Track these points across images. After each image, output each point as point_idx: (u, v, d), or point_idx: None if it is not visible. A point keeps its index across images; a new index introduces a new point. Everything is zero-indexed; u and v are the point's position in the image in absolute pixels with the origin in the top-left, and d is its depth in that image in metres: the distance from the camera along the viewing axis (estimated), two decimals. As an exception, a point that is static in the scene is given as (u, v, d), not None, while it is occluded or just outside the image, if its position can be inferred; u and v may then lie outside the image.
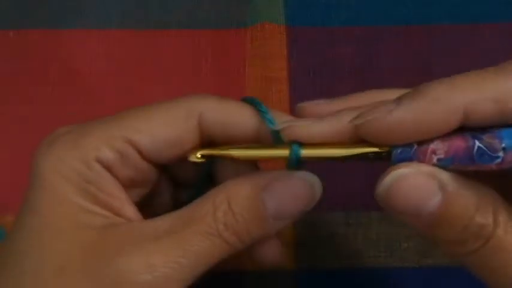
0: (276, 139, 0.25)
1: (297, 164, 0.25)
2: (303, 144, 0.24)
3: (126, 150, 0.25)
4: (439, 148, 0.21)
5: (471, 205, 0.21)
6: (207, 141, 0.26)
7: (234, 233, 0.23)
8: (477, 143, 0.21)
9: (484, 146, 0.21)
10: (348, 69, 0.43)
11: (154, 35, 0.44)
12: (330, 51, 0.43)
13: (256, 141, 0.26)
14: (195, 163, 0.25)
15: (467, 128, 0.21)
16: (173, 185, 0.30)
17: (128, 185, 0.26)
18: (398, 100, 0.21)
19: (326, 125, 0.23)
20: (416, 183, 0.21)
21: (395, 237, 0.36)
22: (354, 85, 0.42)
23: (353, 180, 0.38)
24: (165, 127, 0.25)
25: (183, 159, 0.26)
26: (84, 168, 0.24)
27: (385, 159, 0.23)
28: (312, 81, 0.42)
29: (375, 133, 0.22)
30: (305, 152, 0.24)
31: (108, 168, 0.24)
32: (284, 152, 0.24)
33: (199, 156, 0.25)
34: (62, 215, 0.23)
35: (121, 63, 0.43)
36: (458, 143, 0.21)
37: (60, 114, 0.41)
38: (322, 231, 0.37)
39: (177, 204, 0.29)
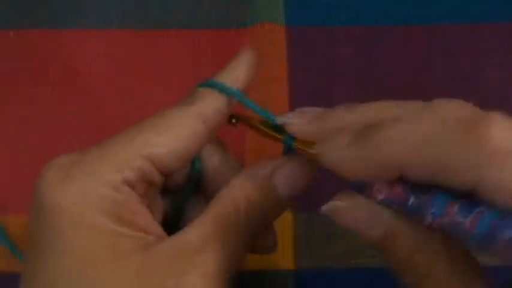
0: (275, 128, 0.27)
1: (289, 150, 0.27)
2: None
3: (145, 167, 0.24)
4: (383, 189, 0.22)
5: (410, 244, 0.22)
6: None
7: (258, 226, 0.25)
8: (412, 199, 0.22)
9: (417, 204, 0.21)
10: (348, 69, 0.43)
11: (154, 35, 0.44)
12: (330, 51, 0.43)
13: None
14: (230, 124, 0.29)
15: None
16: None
17: (149, 205, 0.26)
18: (353, 138, 0.22)
19: (312, 129, 0.25)
20: (356, 216, 0.23)
21: (395, 237, 0.36)
22: (354, 85, 0.42)
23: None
24: (179, 142, 0.25)
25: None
26: (112, 193, 0.23)
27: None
28: (312, 81, 0.42)
29: (326, 165, 0.23)
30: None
31: (132, 187, 0.24)
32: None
33: (233, 121, 0.29)
34: (99, 249, 0.22)
35: (121, 63, 0.43)
36: (398, 191, 0.22)
37: (60, 114, 0.41)
38: (322, 231, 0.37)
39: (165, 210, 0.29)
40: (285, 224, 0.37)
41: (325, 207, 0.24)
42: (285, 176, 0.27)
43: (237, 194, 0.25)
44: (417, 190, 0.21)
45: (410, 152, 0.20)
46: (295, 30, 0.44)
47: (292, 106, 0.41)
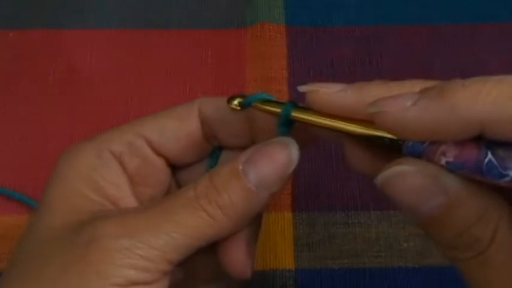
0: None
1: (287, 124, 0.25)
2: (300, 107, 0.25)
3: (135, 140, 0.26)
4: (450, 151, 0.20)
5: (471, 216, 0.20)
6: (209, 134, 0.27)
7: (218, 207, 0.23)
8: (489, 156, 0.20)
9: (496, 161, 0.20)
10: (348, 69, 0.43)
11: (154, 35, 0.44)
12: (330, 51, 0.43)
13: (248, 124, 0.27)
14: (233, 109, 0.26)
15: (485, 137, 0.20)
16: None
17: (137, 179, 0.27)
18: (418, 97, 0.20)
19: (350, 97, 0.23)
20: (414, 183, 0.21)
21: (395, 237, 0.36)
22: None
23: (353, 180, 0.38)
24: (170, 121, 0.27)
25: (192, 153, 0.27)
26: (93, 158, 0.25)
27: (399, 146, 0.22)
28: (312, 81, 0.42)
29: (386, 125, 0.21)
30: (323, 122, 0.24)
31: (118, 158, 0.26)
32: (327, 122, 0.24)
33: (236, 103, 0.26)
34: (65, 200, 0.24)
35: (121, 63, 0.43)
36: (470, 151, 0.20)
37: (60, 114, 0.41)
38: (322, 231, 0.37)
39: None
40: (284, 224, 0.37)
41: (384, 175, 0.21)
42: (256, 159, 0.24)
43: (203, 176, 0.25)
44: (493, 146, 0.20)
45: (496, 108, 0.19)
46: (295, 30, 0.44)
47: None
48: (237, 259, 0.26)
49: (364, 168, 0.24)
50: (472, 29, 0.44)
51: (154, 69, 0.43)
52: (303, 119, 0.24)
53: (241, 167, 0.24)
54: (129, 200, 0.26)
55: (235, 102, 0.26)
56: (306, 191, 0.38)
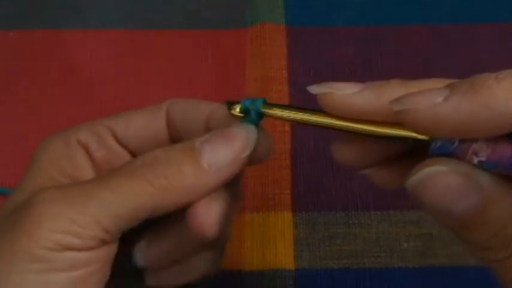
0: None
1: (255, 120, 0.25)
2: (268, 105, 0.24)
3: (102, 132, 0.27)
4: (482, 150, 0.20)
5: (507, 214, 0.20)
6: (173, 131, 0.28)
7: (163, 176, 0.23)
8: None
9: None
10: (348, 69, 0.43)
11: (154, 35, 0.44)
12: (330, 51, 0.43)
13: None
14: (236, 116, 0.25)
15: None
16: None
17: (104, 168, 0.27)
18: (448, 92, 0.19)
19: (367, 99, 0.21)
20: (448, 183, 0.20)
21: (395, 237, 0.36)
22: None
23: (353, 180, 0.38)
24: (137, 117, 0.28)
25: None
26: (62, 146, 0.26)
27: (424, 146, 0.21)
28: (312, 81, 0.42)
29: (415, 123, 0.20)
30: (338, 123, 0.22)
31: (85, 146, 0.27)
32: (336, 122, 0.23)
33: (238, 110, 0.25)
34: (35, 183, 0.25)
35: (121, 63, 0.43)
36: (504, 148, 0.19)
37: (60, 114, 0.41)
38: (322, 231, 0.37)
39: None
40: (284, 224, 0.37)
41: (416, 178, 0.20)
42: (211, 139, 0.24)
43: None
44: None
45: None
46: (295, 30, 0.44)
47: (292, 106, 0.41)
48: (202, 220, 0.24)
49: (354, 161, 0.24)
50: (472, 29, 0.44)
51: (154, 69, 0.43)
52: (306, 120, 0.24)
53: (197, 144, 0.23)
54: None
55: (237, 109, 0.25)
56: (306, 191, 0.38)
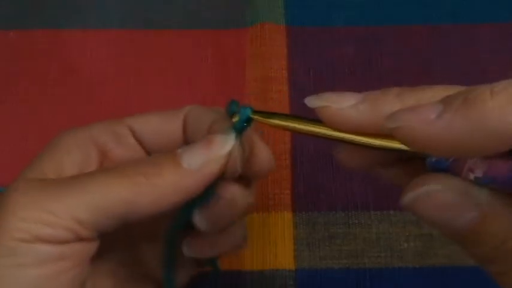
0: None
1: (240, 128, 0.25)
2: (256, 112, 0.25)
3: (120, 130, 0.27)
4: (478, 167, 0.19)
5: (507, 228, 0.19)
6: (187, 136, 0.28)
7: (142, 174, 0.23)
8: None
9: None
10: (348, 69, 0.43)
11: (154, 35, 0.44)
12: (330, 51, 0.43)
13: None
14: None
15: None
16: None
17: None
18: (441, 108, 0.18)
19: (363, 113, 0.21)
20: (444, 201, 0.19)
21: (395, 237, 0.36)
22: (354, 85, 0.42)
23: (353, 180, 0.38)
24: (156, 117, 0.28)
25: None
26: (72, 143, 0.26)
27: (421, 158, 0.21)
28: (312, 81, 0.42)
29: (408, 141, 0.19)
30: (335, 134, 0.22)
31: (101, 147, 0.27)
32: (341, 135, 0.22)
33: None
34: (42, 171, 0.25)
35: (121, 63, 0.43)
36: (501, 166, 0.19)
37: (60, 114, 0.41)
38: (322, 231, 0.37)
39: None
40: (284, 224, 0.37)
41: (411, 195, 0.20)
42: (192, 144, 0.25)
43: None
44: None
45: None
46: (295, 30, 0.44)
47: (292, 106, 0.41)
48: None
49: (359, 165, 0.24)
50: (472, 29, 0.44)
51: (154, 69, 0.43)
52: (302, 129, 0.24)
53: (179, 150, 0.24)
54: None
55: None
56: (306, 191, 0.38)
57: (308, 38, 0.44)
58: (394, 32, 0.44)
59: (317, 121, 0.23)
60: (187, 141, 0.28)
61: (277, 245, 0.36)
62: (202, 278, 0.31)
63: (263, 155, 0.26)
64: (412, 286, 0.35)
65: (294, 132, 0.25)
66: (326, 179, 0.38)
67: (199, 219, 0.26)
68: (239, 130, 0.25)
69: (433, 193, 0.20)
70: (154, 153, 0.29)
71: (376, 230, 0.37)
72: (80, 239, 0.22)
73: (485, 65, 0.42)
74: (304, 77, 0.42)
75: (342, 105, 0.21)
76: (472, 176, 0.19)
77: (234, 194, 0.26)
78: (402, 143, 0.19)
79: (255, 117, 0.25)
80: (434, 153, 0.19)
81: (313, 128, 0.23)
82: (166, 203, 0.23)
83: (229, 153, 0.24)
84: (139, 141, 0.28)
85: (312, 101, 0.22)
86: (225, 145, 0.24)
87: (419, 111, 0.19)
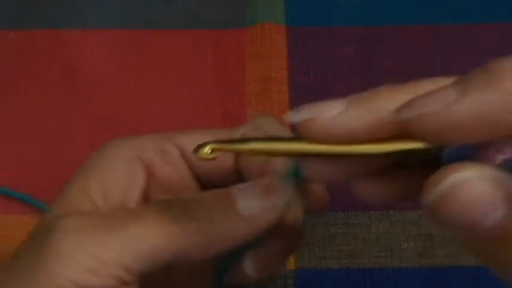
0: None
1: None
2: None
3: (168, 148, 0.26)
4: (507, 144, 0.17)
5: None
6: (242, 167, 0.26)
7: (194, 219, 0.21)
8: None
9: None
10: (348, 69, 0.43)
11: (154, 35, 0.44)
12: (330, 51, 0.43)
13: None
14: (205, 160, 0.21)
15: None
16: None
17: (167, 185, 0.26)
18: (460, 88, 0.16)
19: (356, 117, 0.18)
20: (480, 191, 0.16)
21: (395, 237, 0.36)
22: (354, 85, 0.42)
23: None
24: (209, 137, 0.24)
25: (221, 176, 0.26)
26: (121, 162, 0.25)
27: (432, 157, 0.18)
28: (312, 81, 0.42)
29: (429, 130, 0.17)
30: (335, 149, 0.19)
31: (148, 165, 0.26)
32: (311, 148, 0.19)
33: (208, 151, 0.21)
34: (72, 202, 0.24)
35: (121, 63, 0.43)
36: None
37: (60, 114, 0.41)
38: (322, 231, 0.37)
39: None
40: (285, 224, 0.37)
41: (436, 192, 0.16)
42: (248, 186, 0.23)
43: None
44: None
45: None
46: (295, 30, 0.44)
47: (292, 106, 0.41)
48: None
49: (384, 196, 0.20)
50: (472, 29, 0.44)
51: (154, 69, 0.43)
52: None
53: (234, 191, 0.22)
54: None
55: (206, 150, 0.21)
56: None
57: (308, 38, 0.44)
58: (394, 32, 0.44)
59: (296, 139, 0.20)
60: (238, 169, 0.26)
61: (277, 245, 0.36)
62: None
63: (318, 198, 0.25)
64: (412, 286, 0.35)
65: (272, 156, 0.22)
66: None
67: (247, 265, 0.25)
68: (299, 179, 0.23)
69: (468, 182, 0.16)
70: (207, 190, 0.26)
71: (376, 230, 0.37)
72: (124, 284, 0.21)
73: (485, 65, 0.42)
74: (304, 77, 0.42)
75: (329, 114, 0.18)
76: (500, 158, 0.17)
77: (280, 246, 0.25)
78: (420, 135, 0.17)
79: (216, 146, 0.21)
80: (461, 139, 0.17)
81: (300, 146, 0.19)
82: (217, 250, 0.22)
83: (289, 203, 0.23)
84: (187, 162, 0.26)
85: (292, 117, 0.19)
86: (285, 194, 0.23)
87: (440, 94, 0.17)
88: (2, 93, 0.42)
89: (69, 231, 0.21)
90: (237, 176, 0.26)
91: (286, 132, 0.26)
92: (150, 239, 0.21)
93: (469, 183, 0.16)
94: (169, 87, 0.42)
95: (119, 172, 0.25)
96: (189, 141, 0.26)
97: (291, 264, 0.36)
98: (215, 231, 0.22)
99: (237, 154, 0.25)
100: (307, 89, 0.42)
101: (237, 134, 0.26)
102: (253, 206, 0.22)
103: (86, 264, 0.20)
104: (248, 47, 0.44)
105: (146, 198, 0.26)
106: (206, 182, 0.27)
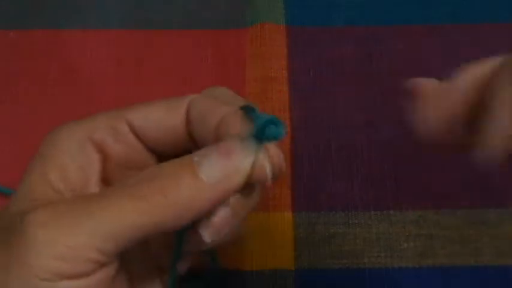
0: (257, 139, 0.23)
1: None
2: None
3: (119, 126, 0.26)
4: None
5: None
6: (191, 129, 0.26)
7: (162, 193, 0.21)
8: None
9: None
10: (348, 69, 0.43)
11: (154, 35, 0.44)
12: (330, 51, 0.43)
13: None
14: None
15: None
16: None
17: (122, 163, 0.26)
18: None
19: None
20: None
21: (395, 237, 0.36)
22: (354, 85, 0.42)
23: (353, 180, 0.38)
24: (157, 110, 0.26)
25: (175, 146, 0.27)
26: (73, 143, 0.25)
27: None
28: (312, 81, 0.42)
29: None
30: None
31: (100, 146, 0.26)
32: None
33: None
34: (34, 190, 0.24)
35: (121, 63, 0.43)
36: None
37: (60, 114, 0.41)
38: (322, 231, 0.37)
39: None
40: (285, 224, 0.37)
41: None
42: (209, 153, 0.23)
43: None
44: None
45: None
46: (295, 30, 0.44)
47: (292, 106, 0.41)
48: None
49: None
50: (472, 29, 0.44)
51: (154, 69, 0.43)
52: None
53: (195, 158, 0.22)
54: (93, 189, 0.26)
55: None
56: (306, 191, 0.38)
57: (308, 38, 0.44)
58: (394, 32, 0.44)
59: None
60: (191, 134, 0.26)
61: (277, 245, 0.36)
62: (201, 278, 0.31)
63: (275, 161, 0.24)
64: (412, 286, 0.35)
65: None
66: (326, 179, 0.38)
67: (202, 232, 0.24)
68: (260, 139, 0.23)
69: None
70: (165, 161, 0.26)
71: (376, 230, 0.37)
72: (102, 265, 0.22)
73: (485, 65, 0.42)
74: (304, 77, 0.42)
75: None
76: None
77: (235, 207, 0.24)
78: None
79: None
80: None
81: None
82: (188, 219, 0.22)
83: (253, 164, 0.23)
84: (139, 137, 0.27)
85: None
86: (248, 155, 0.23)
87: None
88: (2, 93, 0.42)
89: (40, 224, 0.21)
90: (191, 144, 0.26)
91: (240, 100, 0.26)
92: (119, 220, 0.21)
93: None
94: (169, 87, 0.42)
95: (74, 154, 0.25)
96: (137, 115, 0.26)
97: (291, 264, 0.36)
98: (182, 202, 0.22)
99: (188, 120, 0.26)
100: (307, 89, 0.42)
101: (183, 102, 0.26)
102: (216, 172, 0.22)
103: (59, 253, 0.21)
104: (248, 47, 0.44)
105: (105, 177, 0.26)
106: (162, 154, 0.27)
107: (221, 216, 0.24)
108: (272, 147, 0.24)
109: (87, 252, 0.21)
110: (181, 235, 0.26)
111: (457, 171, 0.38)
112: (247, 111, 0.24)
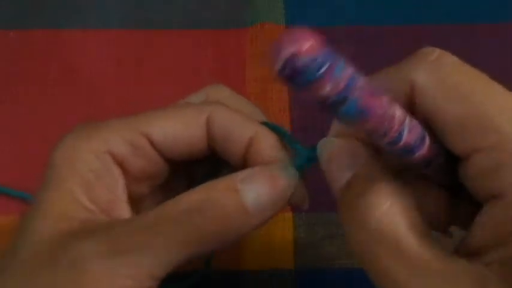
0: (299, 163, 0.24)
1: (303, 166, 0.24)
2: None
3: (138, 141, 0.25)
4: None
5: None
6: (212, 141, 0.26)
7: (211, 223, 0.22)
8: None
9: None
10: (348, 69, 0.43)
11: (154, 35, 0.44)
12: (330, 51, 0.43)
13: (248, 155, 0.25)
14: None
15: None
16: (188, 183, 0.29)
17: (140, 176, 0.26)
18: None
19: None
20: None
21: (395, 237, 0.36)
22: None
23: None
24: (176, 122, 0.26)
25: (193, 156, 0.26)
26: (93, 159, 0.24)
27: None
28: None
29: None
30: None
31: (120, 161, 0.25)
32: None
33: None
34: (58, 204, 0.24)
35: (121, 63, 0.43)
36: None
37: (60, 114, 0.41)
38: (322, 231, 0.37)
39: None
40: (284, 224, 0.37)
41: None
42: (255, 180, 0.23)
43: (197, 191, 0.24)
44: None
45: None
46: (295, 30, 0.44)
47: (292, 106, 0.41)
48: None
49: None
50: (472, 29, 0.44)
51: (154, 69, 0.43)
52: None
53: (239, 185, 0.23)
54: (122, 206, 0.25)
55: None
56: (306, 191, 0.38)
57: (308, 38, 0.44)
58: (394, 32, 0.44)
59: None
60: (211, 147, 0.26)
61: (277, 245, 0.36)
62: (188, 279, 0.31)
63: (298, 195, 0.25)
64: (412, 286, 0.35)
65: None
66: (326, 179, 0.38)
67: None
68: (301, 169, 0.24)
69: None
70: (178, 172, 0.27)
71: (376, 230, 0.37)
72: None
73: (485, 65, 0.42)
74: (304, 77, 0.42)
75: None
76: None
77: None
78: None
79: None
80: None
81: None
82: (229, 242, 0.23)
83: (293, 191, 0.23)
84: (158, 151, 0.26)
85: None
86: (290, 186, 0.23)
87: None
88: (2, 93, 0.42)
89: (96, 258, 0.21)
90: (209, 151, 0.26)
91: (249, 105, 0.27)
92: (176, 250, 0.22)
93: None
94: (169, 87, 0.42)
95: (96, 169, 0.24)
96: (155, 130, 0.25)
97: (290, 264, 0.36)
98: (230, 233, 0.23)
99: (210, 135, 0.26)
100: (307, 89, 0.42)
101: (201, 113, 0.26)
102: (263, 201, 0.23)
103: (122, 285, 0.21)
104: (248, 47, 0.44)
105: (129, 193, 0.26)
106: (178, 162, 0.27)
107: None
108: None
109: (145, 281, 0.22)
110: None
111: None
112: (277, 131, 0.25)
